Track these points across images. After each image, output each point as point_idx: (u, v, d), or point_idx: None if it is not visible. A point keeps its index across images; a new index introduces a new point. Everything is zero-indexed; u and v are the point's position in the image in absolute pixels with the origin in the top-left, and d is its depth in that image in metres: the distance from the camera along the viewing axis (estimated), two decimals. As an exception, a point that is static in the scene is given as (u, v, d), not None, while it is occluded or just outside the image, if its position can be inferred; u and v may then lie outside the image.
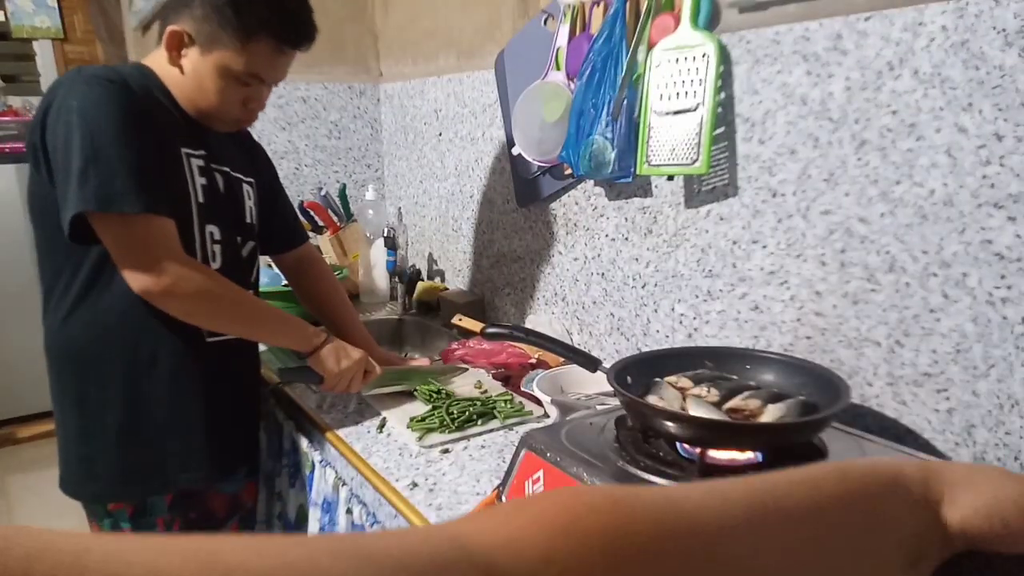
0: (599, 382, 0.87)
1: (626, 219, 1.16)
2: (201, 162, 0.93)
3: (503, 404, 1.03)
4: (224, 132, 1.02)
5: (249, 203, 1.03)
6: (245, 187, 1.03)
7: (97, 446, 0.92)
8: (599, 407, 0.92)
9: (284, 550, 0.15)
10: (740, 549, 0.24)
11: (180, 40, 0.88)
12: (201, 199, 0.92)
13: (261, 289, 1.14)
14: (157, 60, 0.92)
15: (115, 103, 0.81)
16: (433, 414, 1.00)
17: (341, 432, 1.00)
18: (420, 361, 1.20)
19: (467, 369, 1.16)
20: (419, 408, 1.04)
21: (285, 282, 1.37)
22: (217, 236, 0.95)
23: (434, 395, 1.06)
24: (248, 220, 1.03)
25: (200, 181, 0.92)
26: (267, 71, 0.91)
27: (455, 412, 0.99)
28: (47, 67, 3.29)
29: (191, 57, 0.89)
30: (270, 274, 1.41)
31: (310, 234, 1.74)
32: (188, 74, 0.90)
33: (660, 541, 0.21)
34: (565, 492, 0.22)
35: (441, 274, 1.72)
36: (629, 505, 0.21)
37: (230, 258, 0.98)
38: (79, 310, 0.90)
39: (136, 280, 0.83)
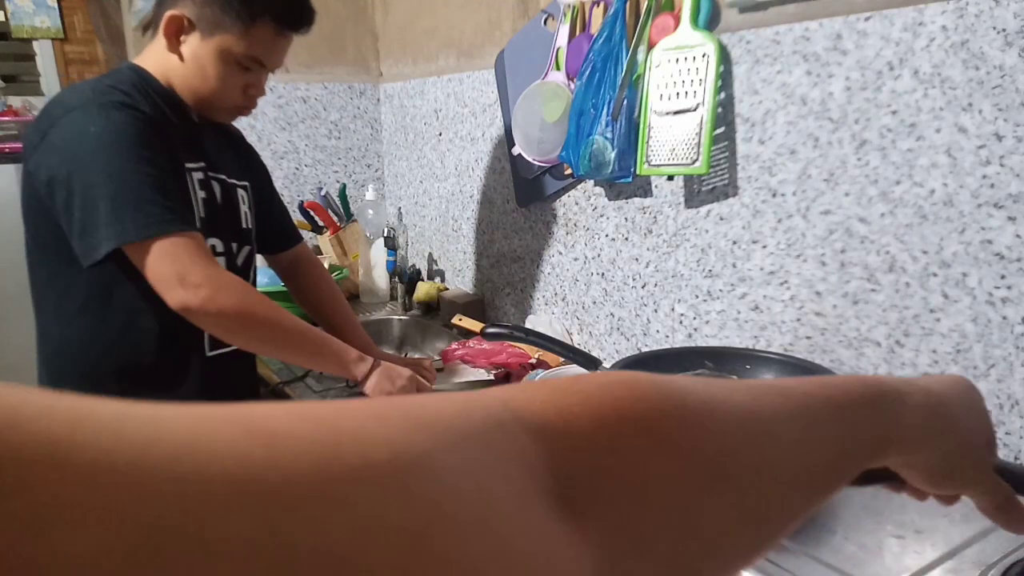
0: (599, 382, 0.87)
1: (626, 219, 1.16)
2: (200, 175, 0.92)
3: None
4: (220, 135, 1.02)
5: (244, 208, 1.02)
6: (240, 192, 1.02)
7: None
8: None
9: (327, 415, 0.14)
10: (791, 432, 0.25)
11: (180, 25, 0.86)
12: (203, 213, 0.91)
13: (259, 290, 1.13)
14: (151, 57, 0.91)
15: (134, 128, 0.81)
16: None
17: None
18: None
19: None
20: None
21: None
22: (220, 248, 0.94)
23: None
24: (244, 225, 1.02)
25: (201, 195, 0.91)
26: (268, 55, 0.91)
27: None
28: (47, 67, 3.29)
29: (191, 43, 0.88)
30: (269, 274, 1.41)
31: (310, 234, 1.75)
32: (188, 61, 0.88)
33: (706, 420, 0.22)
34: (614, 378, 0.22)
35: (441, 274, 1.72)
36: (679, 397, 0.22)
37: (230, 268, 0.97)
38: (80, 319, 0.89)
39: (175, 296, 0.81)
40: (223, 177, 0.98)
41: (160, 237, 0.80)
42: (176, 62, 0.89)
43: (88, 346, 0.90)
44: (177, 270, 0.80)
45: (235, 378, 1.02)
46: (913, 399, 0.32)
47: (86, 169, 0.79)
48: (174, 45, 0.88)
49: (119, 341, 0.89)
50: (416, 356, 1.38)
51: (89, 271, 0.85)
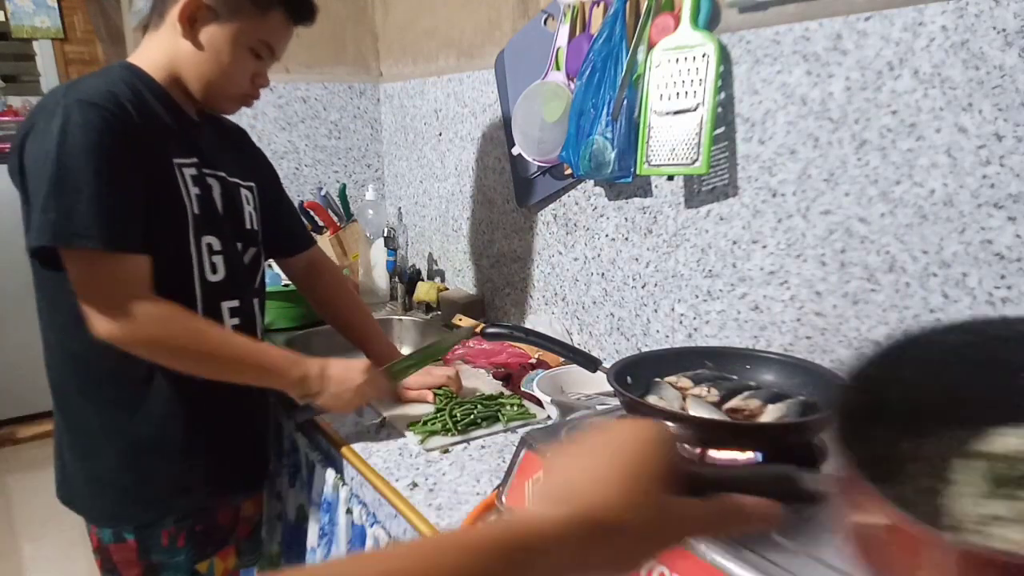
0: (599, 382, 0.87)
1: (626, 219, 1.16)
2: (193, 171, 0.90)
3: (509, 407, 1.03)
4: (221, 135, 1.01)
5: (248, 208, 1.01)
6: (244, 192, 1.01)
7: (101, 465, 0.90)
8: (599, 407, 0.92)
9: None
10: None
11: (196, 10, 0.86)
12: (196, 210, 0.89)
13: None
14: (149, 52, 0.90)
15: (95, 131, 0.78)
16: (436, 417, 0.99)
17: (341, 432, 1.00)
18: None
19: (470, 331, 1.10)
20: (421, 408, 1.04)
21: (285, 281, 1.36)
22: (217, 247, 0.92)
23: (439, 397, 1.05)
24: (249, 226, 1.00)
25: (194, 191, 0.89)
26: (279, 43, 0.93)
27: (459, 415, 0.98)
28: (47, 67, 3.29)
29: (207, 29, 0.87)
30: (269, 274, 1.41)
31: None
32: (203, 46, 0.88)
33: None
34: None
35: (441, 274, 1.73)
36: None
37: (233, 268, 0.95)
38: (72, 329, 0.86)
39: (96, 322, 0.79)
40: (222, 175, 0.96)
41: (86, 250, 0.77)
42: (187, 49, 0.88)
43: (96, 353, 0.86)
44: (101, 293, 0.79)
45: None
46: (555, 545, 0.30)
47: (41, 166, 0.78)
48: (189, 31, 0.87)
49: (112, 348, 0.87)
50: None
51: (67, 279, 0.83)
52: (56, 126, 0.78)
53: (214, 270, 0.92)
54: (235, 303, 0.95)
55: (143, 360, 0.86)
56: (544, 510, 0.31)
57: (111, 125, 0.79)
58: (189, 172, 0.90)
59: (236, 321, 0.96)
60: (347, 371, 0.92)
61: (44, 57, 3.28)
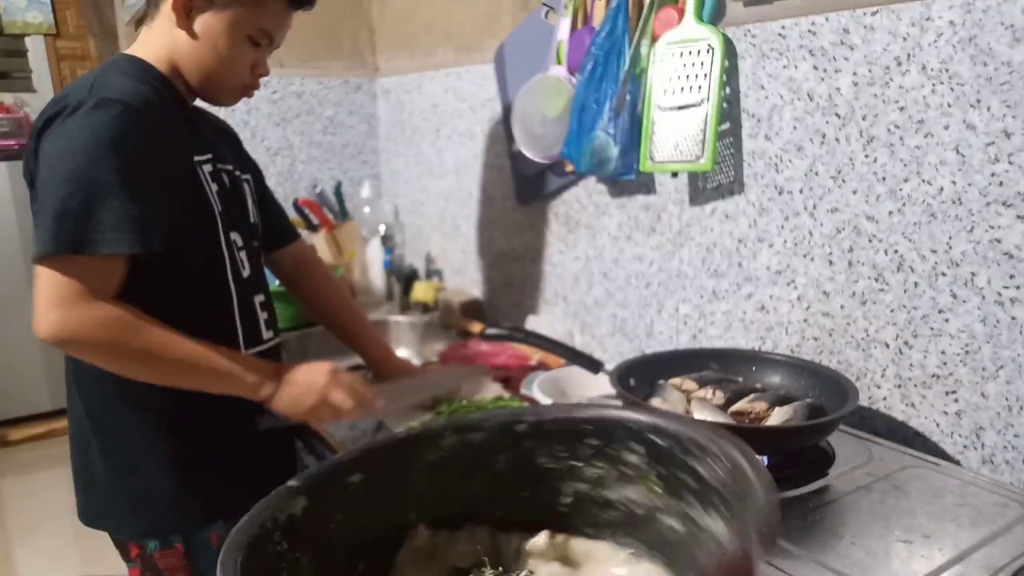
0: (601, 385, 0.86)
1: (629, 217, 1.15)
2: (210, 167, 0.90)
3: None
4: (215, 127, 0.99)
5: (249, 202, 1.00)
6: (244, 185, 1.00)
7: (143, 479, 0.87)
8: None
9: None
10: None
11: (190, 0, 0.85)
12: (220, 207, 0.88)
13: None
14: (147, 44, 0.88)
15: (108, 132, 0.75)
16: (433, 421, 0.98)
17: (337, 435, 0.99)
18: (437, 371, 1.12)
19: (486, 371, 1.06)
20: (418, 411, 1.02)
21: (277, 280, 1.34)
22: (240, 243, 0.91)
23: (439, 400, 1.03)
24: (253, 220, 0.99)
25: (214, 187, 0.88)
26: (278, 30, 0.90)
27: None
28: (39, 63, 3.25)
29: (202, 18, 0.85)
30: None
31: (305, 232, 1.73)
32: (199, 36, 0.86)
33: None
34: None
35: (439, 273, 1.71)
36: None
37: (255, 262, 0.94)
38: None
39: (37, 325, 0.75)
40: (230, 168, 0.95)
41: (46, 256, 0.74)
42: (183, 40, 0.86)
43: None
44: (43, 297, 0.75)
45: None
46: None
47: (53, 174, 0.76)
48: (184, 20, 0.85)
49: None
50: (433, 362, 1.29)
51: (126, 289, 0.80)
52: (77, 124, 0.76)
53: (243, 266, 0.91)
54: (262, 297, 0.95)
55: None
56: None
57: (138, 124, 0.78)
58: (207, 168, 0.89)
59: (266, 315, 0.95)
60: (309, 372, 0.85)
61: (36, 53, 3.25)
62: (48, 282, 0.75)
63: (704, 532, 0.44)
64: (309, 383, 0.84)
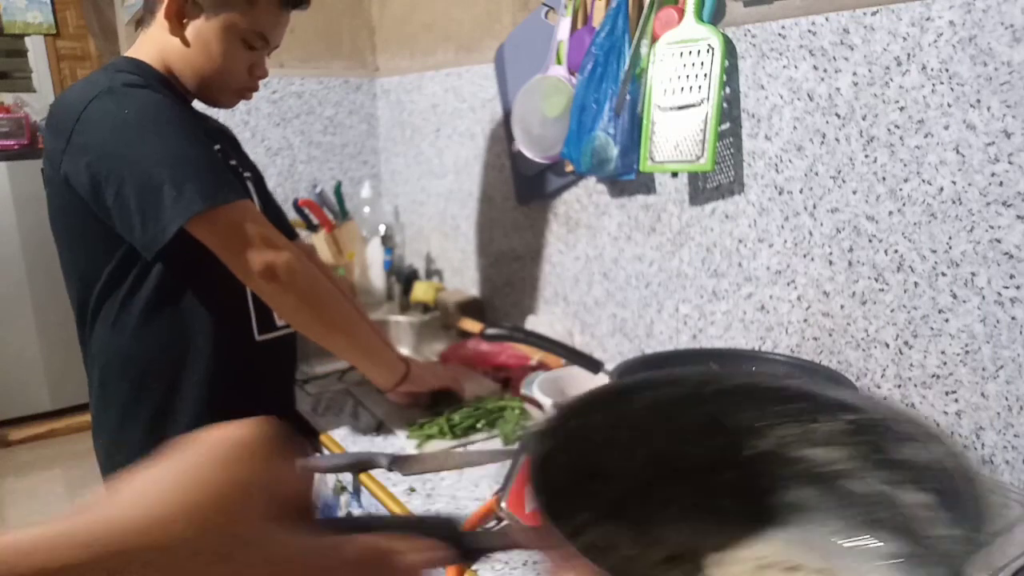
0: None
1: (629, 217, 1.15)
2: (221, 155, 0.91)
3: (511, 412, 1.01)
4: (214, 126, 1.00)
5: (255, 196, 1.00)
6: (248, 182, 1.00)
7: None
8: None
9: None
10: None
11: (182, 6, 0.85)
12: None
13: None
14: (146, 48, 0.88)
15: (165, 105, 0.80)
16: (433, 422, 0.98)
17: (336, 436, 0.99)
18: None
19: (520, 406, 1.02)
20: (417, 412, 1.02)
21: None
22: None
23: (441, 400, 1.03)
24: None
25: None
26: (272, 31, 0.90)
27: (457, 419, 0.97)
28: (39, 63, 3.25)
29: (195, 24, 0.86)
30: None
31: (305, 232, 1.72)
32: (192, 42, 0.86)
33: None
34: None
35: (439, 273, 1.71)
36: None
37: None
38: (151, 323, 0.86)
39: (260, 258, 0.79)
40: (234, 163, 0.96)
41: (225, 204, 0.79)
42: (177, 46, 0.87)
43: (142, 352, 0.87)
44: (259, 232, 0.80)
45: (280, 361, 1.00)
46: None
47: (132, 156, 0.77)
48: (176, 28, 0.86)
49: (172, 344, 0.87)
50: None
51: (145, 278, 0.84)
52: (125, 114, 0.78)
53: None
54: None
55: (198, 351, 0.87)
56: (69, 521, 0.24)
57: (168, 100, 0.82)
58: (230, 163, 0.91)
59: None
60: (421, 364, 1.00)
61: (36, 53, 3.25)
62: (237, 233, 0.79)
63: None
64: (430, 366, 1.01)
